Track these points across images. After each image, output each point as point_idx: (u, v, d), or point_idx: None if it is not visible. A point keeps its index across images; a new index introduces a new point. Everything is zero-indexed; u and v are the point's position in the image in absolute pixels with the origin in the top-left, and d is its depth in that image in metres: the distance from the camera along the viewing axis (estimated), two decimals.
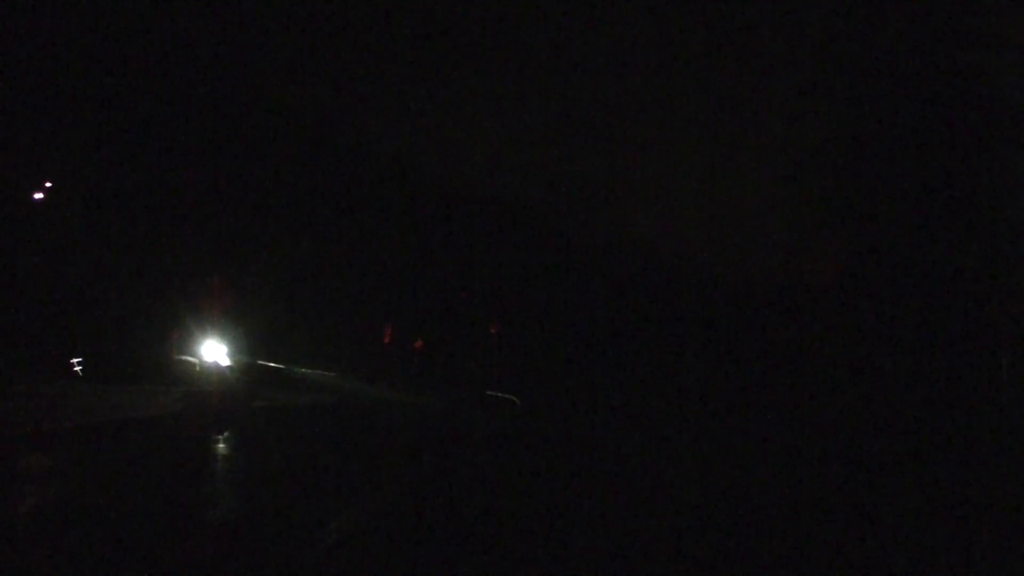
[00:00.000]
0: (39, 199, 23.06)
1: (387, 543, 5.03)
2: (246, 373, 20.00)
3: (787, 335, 24.83)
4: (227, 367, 19.19)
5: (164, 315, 22.32)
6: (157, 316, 22.99)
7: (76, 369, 20.87)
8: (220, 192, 29.48)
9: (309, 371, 29.53)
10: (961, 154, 19.02)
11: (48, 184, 23.13)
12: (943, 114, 19.18)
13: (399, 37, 30.66)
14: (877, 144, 20.34)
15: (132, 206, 26.43)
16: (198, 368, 19.23)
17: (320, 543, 4.79)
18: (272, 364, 28.31)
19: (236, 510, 6.43)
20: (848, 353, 20.73)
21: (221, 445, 10.19)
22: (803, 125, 21.70)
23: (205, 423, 12.47)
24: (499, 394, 26.97)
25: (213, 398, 16.49)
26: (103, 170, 25.60)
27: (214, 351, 20.01)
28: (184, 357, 21.03)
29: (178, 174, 27.67)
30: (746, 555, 5.01)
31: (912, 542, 5.23)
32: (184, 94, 28.22)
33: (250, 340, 22.43)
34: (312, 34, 31.72)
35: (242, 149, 29.97)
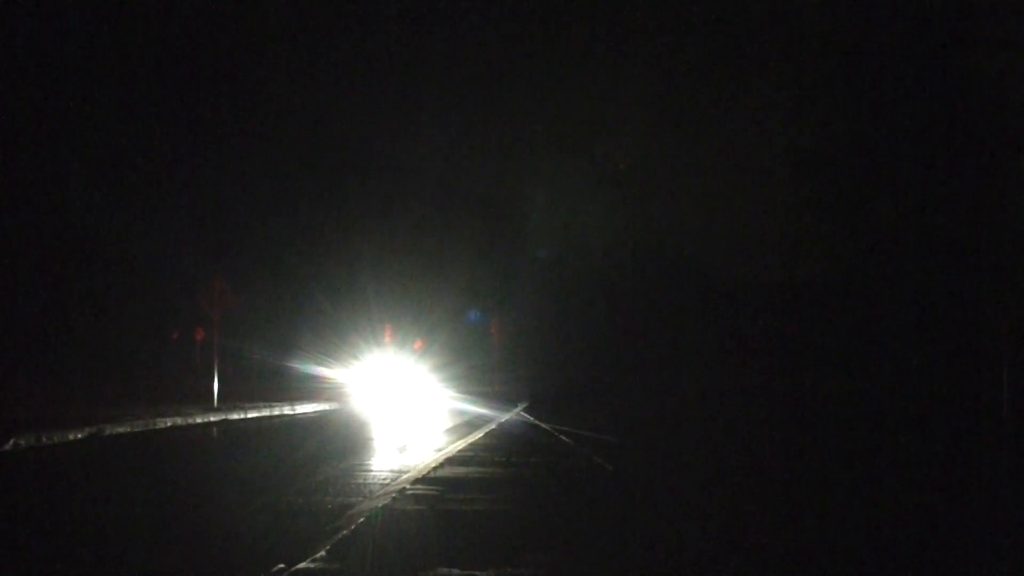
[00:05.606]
0: None
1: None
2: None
3: (786, 335, 24.82)
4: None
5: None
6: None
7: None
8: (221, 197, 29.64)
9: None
10: (961, 154, 19.03)
11: None
12: (943, 114, 19.20)
13: (397, 34, 30.71)
14: (877, 144, 20.33)
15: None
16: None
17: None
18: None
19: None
20: (847, 353, 20.72)
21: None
22: (803, 125, 21.69)
23: None
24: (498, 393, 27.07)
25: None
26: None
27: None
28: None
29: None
30: (743, 553, 5.00)
31: (911, 543, 5.22)
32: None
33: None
34: (323, 36, 31.78)
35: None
